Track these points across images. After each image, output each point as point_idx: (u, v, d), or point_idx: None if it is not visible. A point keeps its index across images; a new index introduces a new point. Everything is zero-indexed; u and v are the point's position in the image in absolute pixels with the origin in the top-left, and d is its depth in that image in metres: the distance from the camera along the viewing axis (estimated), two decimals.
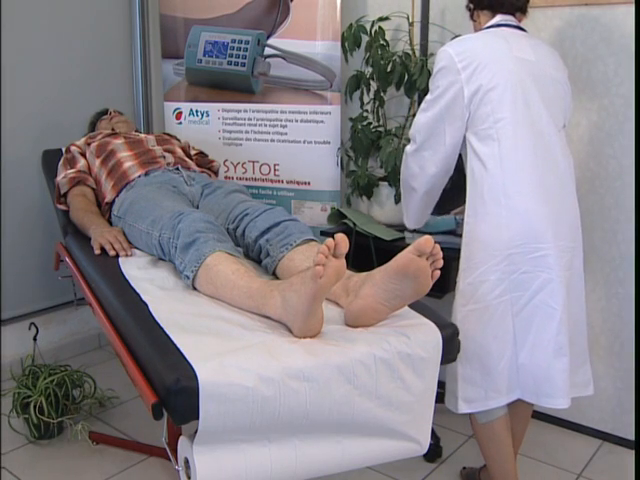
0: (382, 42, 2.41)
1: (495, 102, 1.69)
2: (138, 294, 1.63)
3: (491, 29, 1.79)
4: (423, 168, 1.82)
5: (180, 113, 2.99)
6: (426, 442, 1.50)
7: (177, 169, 2.28)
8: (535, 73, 1.73)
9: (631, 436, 2.30)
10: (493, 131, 1.70)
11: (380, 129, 2.48)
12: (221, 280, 1.60)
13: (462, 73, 1.70)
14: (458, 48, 1.73)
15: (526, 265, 1.69)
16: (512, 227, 1.69)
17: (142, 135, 2.49)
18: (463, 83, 1.70)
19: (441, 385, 1.61)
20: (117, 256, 1.93)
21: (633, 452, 2.27)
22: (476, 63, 1.69)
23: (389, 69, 2.35)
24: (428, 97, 1.79)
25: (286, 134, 2.77)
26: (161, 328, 1.42)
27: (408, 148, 1.86)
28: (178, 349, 1.31)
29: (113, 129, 2.56)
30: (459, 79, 1.70)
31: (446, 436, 2.30)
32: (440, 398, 1.71)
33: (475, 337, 1.72)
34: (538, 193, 1.69)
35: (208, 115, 2.93)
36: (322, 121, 2.68)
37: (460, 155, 1.82)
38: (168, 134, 2.68)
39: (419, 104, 2.42)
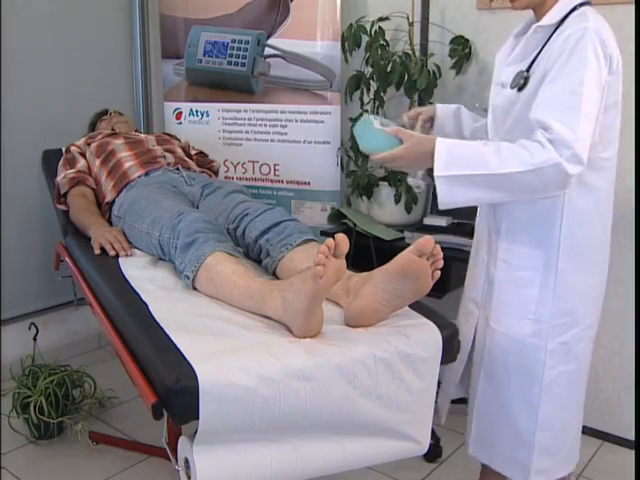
0: (382, 42, 2.41)
1: (617, 129, 1.48)
2: (138, 294, 1.63)
3: (589, 7, 1.43)
4: (590, 190, 1.48)
5: (180, 113, 2.99)
6: (426, 442, 1.50)
7: (177, 169, 2.28)
8: None
9: (631, 436, 2.30)
10: (609, 164, 1.50)
11: None
12: (221, 280, 1.60)
13: (616, 74, 1.42)
14: (614, 44, 1.40)
15: None
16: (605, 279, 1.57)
17: (142, 135, 2.49)
18: (607, 89, 1.40)
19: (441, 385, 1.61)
20: (117, 256, 1.93)
21: (633, 452, 2.27)
22: (620, 68, 1.43)
23: (389, 69, 2.35)
24: (581, 89, 1.33)
25: (286, 134, 2.77)
26: (161, 328, 1.42)
27: (572, 170, 1.33)
28: (178, 349, 1.31)
29: (113, 129, 2.56)
30: (605, 81, 1.40)
31: (446, 436, 2.30)
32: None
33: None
34: None
35: (208, 115, 2.93)
36: (322, 121, 2.68)
37: None
38: (168, 134, 2.68)
39: (419, 104, 2.44)
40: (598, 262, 1.54)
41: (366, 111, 2.47)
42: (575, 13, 1.41)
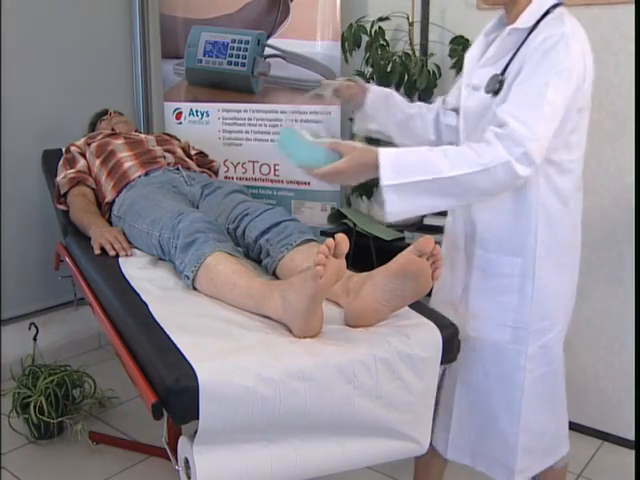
0: (382, 42, 2.41)
1: (584, 133, 1.45)
2: (138, 294, 1.63)
3: (565, 9, 1.41)
4: (560, 192, 1.46)
5: (180, 113, 2.99)
6: (426, 442, 1.50)
7: (177, 169, 2.28)
8: None
9: (631, 436, 2.30)
10: (575, 165, 1.46)
11: None
12: (221, 280, 1.60)
13: (585, 81, 1.38)
14: (586, 46, 1.38)
15: None
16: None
17: (142, 135, 2.49)
18: (576, 93, 1.36)
19: None
20: (117, 256, 1.93)
21: (633, 452, 2.27)
22: (590, 74, 1.40)
23: (389, 69, 2.35)
24: (546, 90, 1.31)
25: None
26: (161, 328, 1.42)
27: (522, 171, 1.30)
28: (178, 349, 1.31)
29: (113, 129, 2.56)
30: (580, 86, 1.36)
31: None
32: None
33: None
34: None
35: (208, 115, 2.93)
36: (322, 121, 2.68)
37: None
38: (168, 134, 2.68)
39: None
40: (569, 264, 1.54)
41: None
42: (550, 16, 1.38)
